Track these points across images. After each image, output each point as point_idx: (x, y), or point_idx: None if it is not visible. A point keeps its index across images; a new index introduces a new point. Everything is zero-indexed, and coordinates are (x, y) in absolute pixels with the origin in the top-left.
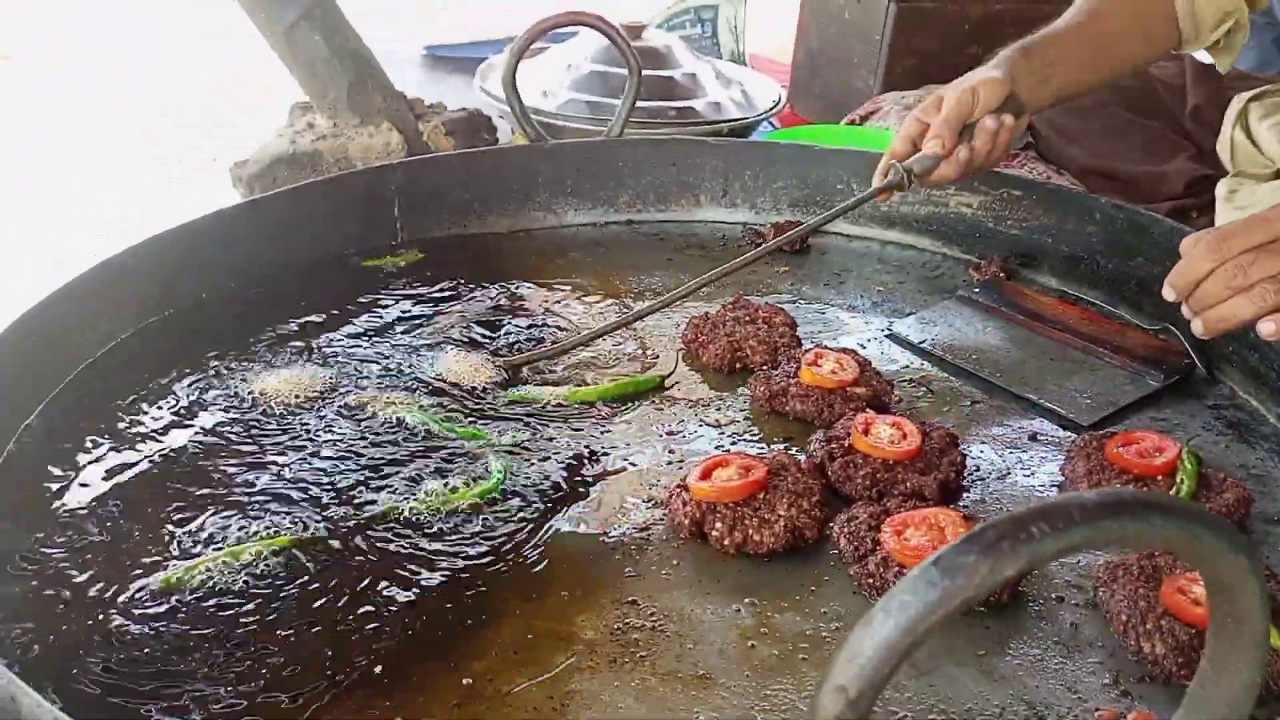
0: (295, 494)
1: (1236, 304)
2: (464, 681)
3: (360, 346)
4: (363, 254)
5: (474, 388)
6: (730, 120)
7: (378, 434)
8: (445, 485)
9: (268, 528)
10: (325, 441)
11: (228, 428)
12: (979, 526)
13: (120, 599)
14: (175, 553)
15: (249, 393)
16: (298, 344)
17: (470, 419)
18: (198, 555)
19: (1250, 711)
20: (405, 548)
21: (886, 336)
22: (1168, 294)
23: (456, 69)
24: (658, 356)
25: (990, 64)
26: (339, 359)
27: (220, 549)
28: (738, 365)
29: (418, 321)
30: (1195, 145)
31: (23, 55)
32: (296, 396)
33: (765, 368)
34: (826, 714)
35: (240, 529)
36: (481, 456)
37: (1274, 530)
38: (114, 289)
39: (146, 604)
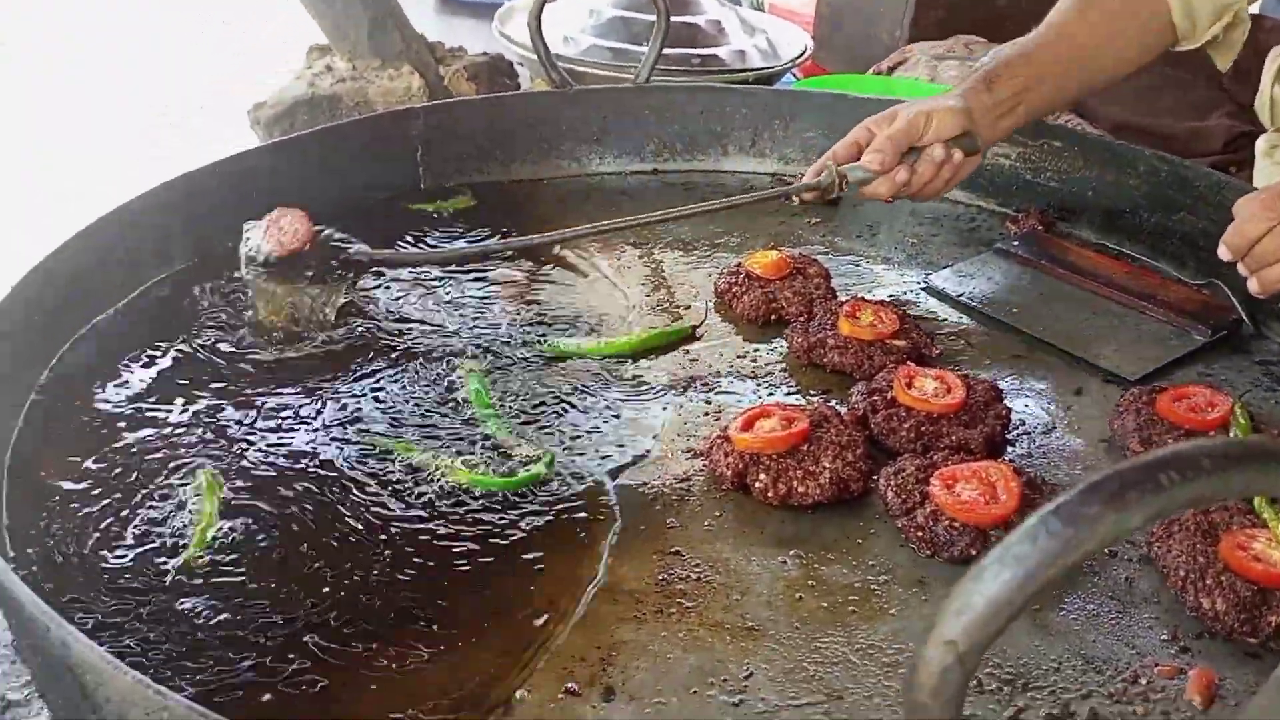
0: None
1: None
2: (508, 632)
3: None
4: (400, 198)
5: (507, 340)
6: (755, 69)
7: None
8: (491, 464)
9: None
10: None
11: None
12: (1099, 476)
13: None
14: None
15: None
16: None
17: (503, 377)
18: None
19: None
20: (447, 501)
21: (923, 289)
22: (1223, 254)
23: (471, 15)
24: (688, 307)
25: (953, 91)
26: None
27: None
28: (772, 317)
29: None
30: (1234, 102)
31: (22, 55)
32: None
33: (801, 319)
34: (933, 668)
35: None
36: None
37: None
38: (134, 230)
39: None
